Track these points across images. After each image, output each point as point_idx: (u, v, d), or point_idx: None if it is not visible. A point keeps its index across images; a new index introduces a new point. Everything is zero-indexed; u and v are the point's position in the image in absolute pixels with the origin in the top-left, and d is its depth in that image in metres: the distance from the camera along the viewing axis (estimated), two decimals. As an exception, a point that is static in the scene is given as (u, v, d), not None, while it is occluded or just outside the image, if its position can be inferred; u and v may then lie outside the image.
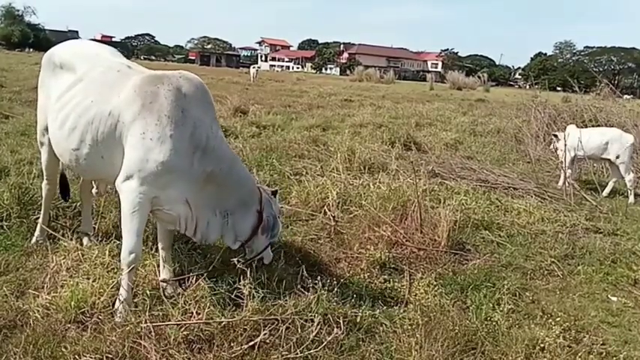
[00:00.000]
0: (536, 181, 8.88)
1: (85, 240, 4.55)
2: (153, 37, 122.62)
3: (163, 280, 3.86)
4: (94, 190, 4.48)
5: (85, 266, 3.91)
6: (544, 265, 5.31)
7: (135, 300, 3.51)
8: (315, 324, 3.32)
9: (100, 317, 3.41)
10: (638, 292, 4.96)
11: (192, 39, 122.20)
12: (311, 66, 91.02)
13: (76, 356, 3.00)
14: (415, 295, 4.12)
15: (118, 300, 3.47)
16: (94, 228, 4.82)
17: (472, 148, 12.23)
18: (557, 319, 4.02)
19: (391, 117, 16.65)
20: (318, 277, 3.90)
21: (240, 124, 11.95)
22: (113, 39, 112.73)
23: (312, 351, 3.20)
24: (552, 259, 5.43)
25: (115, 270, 3.82)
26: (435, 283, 4.43)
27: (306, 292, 3.77)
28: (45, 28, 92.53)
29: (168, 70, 3.85)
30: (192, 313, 3.37)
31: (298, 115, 15.14)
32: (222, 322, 3.29)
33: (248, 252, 4.01)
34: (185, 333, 3.20)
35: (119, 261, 3.54)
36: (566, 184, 8.59)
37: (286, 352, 3.15)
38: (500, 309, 4.08)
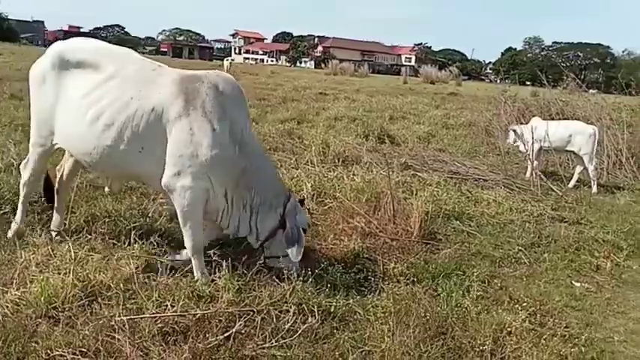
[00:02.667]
0: (505, 172, 9.02)
1: (56, 236, 4.47)
2: (123, 29, 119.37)
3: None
4: (106, 189, 4.40)
5: (55, 261, 3.84)
6: (512, 254, 5.41)
7: (108, 294, 3.48)
8: (291, 314, 3.34)
9: (72, 312, 3.36)
10: (600, 277, 5.10)
11: (164, 30, 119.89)
12: (285, 59, 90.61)
13: (49, 351, 2.96)
14: (388, 284, 4.15)
15: (195, 274, 3.82)
16: (65, 224, 4.74)
17: (444, 141, 12.35)
18: (524, 304, 4.12)
19: (365, 110, 16.70)
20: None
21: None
22: (81, 29, 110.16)
23: (287, 340, 3.22)
24: (519, 248, 5.54)
25: (86, 264, 3.78)
26: (407, 272, 4.48)
27: (281, 283, 3.79)
28: (8, 18, 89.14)
29: (202, 70, 4.01)
30: (166, 306, 3.35)
31: (273, 109, 15.08)
32: (197, 314, 3.28)
33: (266, 252, 4.16)
34: (160, 325, 3.18)
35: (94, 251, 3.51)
36: (533, 176, 8.74)
37: (261, 342, 3.16)
38: (470, 296, 4.14)
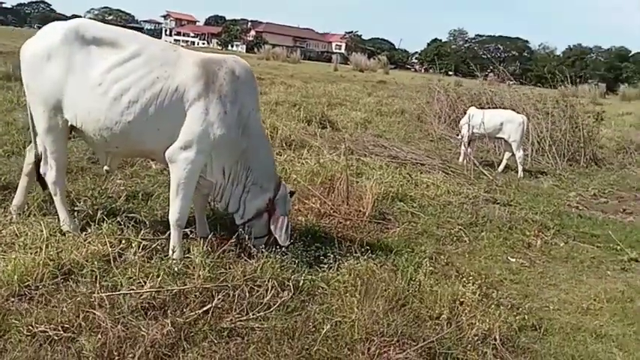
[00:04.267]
0: (440, 157, 9.48)
1: (15, 215, 4.37)
2: (49, 5, 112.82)
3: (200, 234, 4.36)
4: (105, 168, 4.27)
5: (22, 240, 3.78)
6: (453, 232, 5.78)
7: (84, 271, 3.47)
8: (269, 288, 3.48)
9: (46, 290, 3.34)
10: (532, 254, 5.55)
11: (92, 9, 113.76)
12: (217, 42, 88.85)
13: (29, 327, 2.95)
14: (347, 261, 4.36)
15: (171, 251, 3.93)
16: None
17: (380, 127, 12.70)
18: (470, 277, 4.43)
19: (303, 96, 16.78)
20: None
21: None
22: (3, 5, 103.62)
23: (262, 313, 3.36)
24: (460, 227, 5.92)
25: (57, 243, 3.75)
26: (362, 249, 4.70)
27: (251, 261, 3.91)
28: None
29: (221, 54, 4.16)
30: (143, 282, 3.40)
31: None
32: (174, 289, 3.36)
33: (248, 233, 4.31)
34: (139, 301, 3.23)
35: (62, 233, 3.50)
36: (466, 161, 9.24)
37: (238, 315, 3.29)
38: (422, 270, 4.42)
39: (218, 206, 4.41)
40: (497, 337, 3.56)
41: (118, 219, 4.15)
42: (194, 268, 3.61)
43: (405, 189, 7.01)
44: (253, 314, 3.32)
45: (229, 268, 3.78)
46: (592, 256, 5.64)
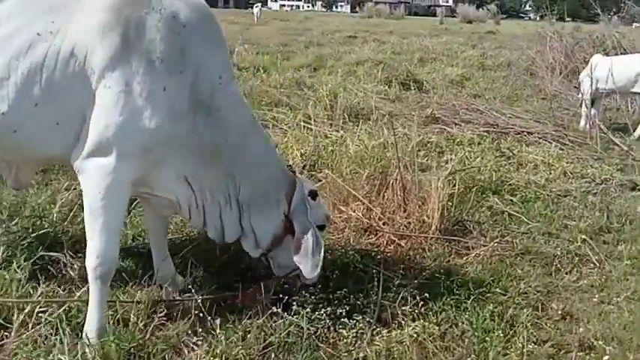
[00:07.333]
0: (555, 122, 7.08)
1: None
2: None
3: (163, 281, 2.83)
4: (9, 182, 2.73)
5: None
6: (573, 249, 3.67)
7: None
8: None
9: None
10: None
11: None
12: (321, 4, 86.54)
13: None
14: (383, 328, 2.54)
15: (87, 324, 2.36)
16: None
17: (480, 85, 10.36)
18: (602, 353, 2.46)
19: (394, 52, 14.64)
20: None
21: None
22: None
23: None
24: (584, 237, 3.79)
25: None
26: (416, 293, 2.81)
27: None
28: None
29: None
30: None
31: (292, 55, 13.21)
32: None
33: (274, 266, 2.83)
34: None
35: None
36: (589, 126, 6.79)
37: None
38: (519, 341, 2.49)
39: (210, 236, 2.73)
40: None
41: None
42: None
43: (502, 173, 4.91)
44: None
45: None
46: None
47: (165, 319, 2.56)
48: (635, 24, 12.57)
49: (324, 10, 76.04)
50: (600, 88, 7.05)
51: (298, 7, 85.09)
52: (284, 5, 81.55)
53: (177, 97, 2.34)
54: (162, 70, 2.29)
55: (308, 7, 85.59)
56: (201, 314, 2.53)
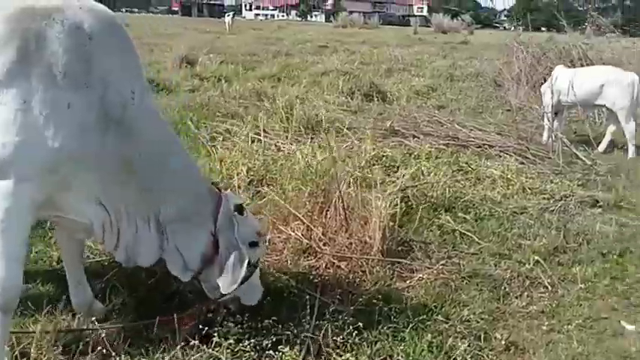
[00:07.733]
0: (517, 134, 6.97)
1: None
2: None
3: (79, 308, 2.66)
4: None
5: None
6: (524, 271, 3.49)
7: None
8: None
9: None
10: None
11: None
12: (296, 13, 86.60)
13: None
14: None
15: None
16: None
17: (446, 96, 10.34)
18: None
19: (362, 63, 14.53)
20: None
21: (181, 76, 9.92)
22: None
23: None
24: (537, 258, 3.62)
25: None
26: (350, 322, 2.59)
27: None
28: None
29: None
30: None
31: (258, 65, 12.99)
32: None
33: (207, 289, 2.62)
34: None
35: None
36: (552, 139, 6.68)
37: None
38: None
39: (118, 259, 2.52)
40: None
41: None
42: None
43: (458, 189, 4.74)
44: None
45: None
46: None
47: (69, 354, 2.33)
48: (610, 34, 12.63)
49: (298, 19, 76.02)
50: (562, 100, 6.98)
51: (273, 16, 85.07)
52: (258, 14, 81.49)
53: (83, 113, 2.16)
54: (65, 85, 2.11)
55: (283, 16, 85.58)
56: (105, 350, 2.29)
